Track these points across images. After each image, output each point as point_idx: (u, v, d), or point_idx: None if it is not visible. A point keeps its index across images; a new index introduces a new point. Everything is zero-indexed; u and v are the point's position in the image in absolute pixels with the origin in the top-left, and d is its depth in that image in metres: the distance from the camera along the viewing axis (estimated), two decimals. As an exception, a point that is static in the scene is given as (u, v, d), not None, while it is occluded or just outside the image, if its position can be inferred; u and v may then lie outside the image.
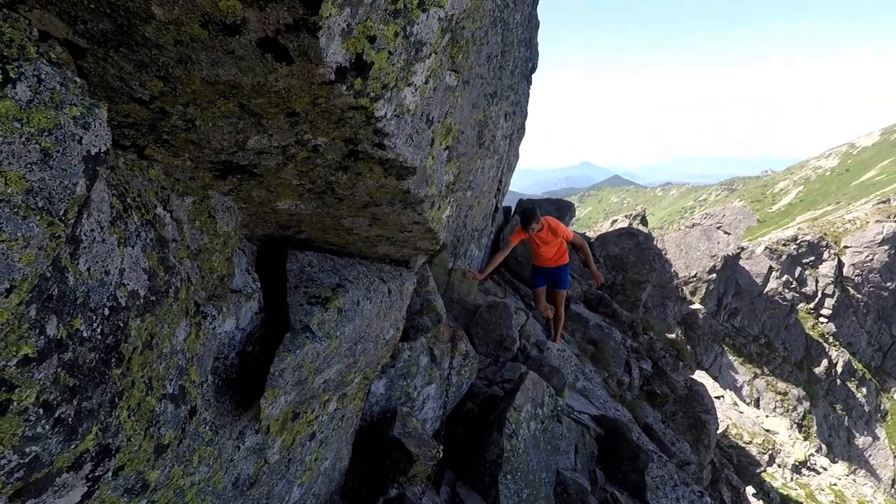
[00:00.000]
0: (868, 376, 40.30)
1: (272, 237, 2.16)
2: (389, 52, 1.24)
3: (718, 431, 21.43)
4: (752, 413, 30.28)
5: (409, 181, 1.71)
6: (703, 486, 12.68)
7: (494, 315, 5.98)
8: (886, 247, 40.75)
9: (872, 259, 40.36)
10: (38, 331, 0.87)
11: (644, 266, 13.19)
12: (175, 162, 1.46)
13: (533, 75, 10.41)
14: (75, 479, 1.06)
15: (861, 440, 37.36)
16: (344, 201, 1.84)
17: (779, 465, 26.47)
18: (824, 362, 38.69)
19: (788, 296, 39.02)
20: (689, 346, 36.47)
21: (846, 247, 41.85)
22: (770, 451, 22.60)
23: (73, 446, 1.01)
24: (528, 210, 6.15)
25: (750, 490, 20.63)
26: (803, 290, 39.78)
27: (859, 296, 40.76)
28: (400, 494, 3.32)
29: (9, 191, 0.80)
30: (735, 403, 29.76)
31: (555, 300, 6.70)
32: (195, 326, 1.48)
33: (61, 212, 0.87)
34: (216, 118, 1.28)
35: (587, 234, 23.27)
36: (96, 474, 1.11)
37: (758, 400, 35.67)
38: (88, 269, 1.02)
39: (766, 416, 33.38)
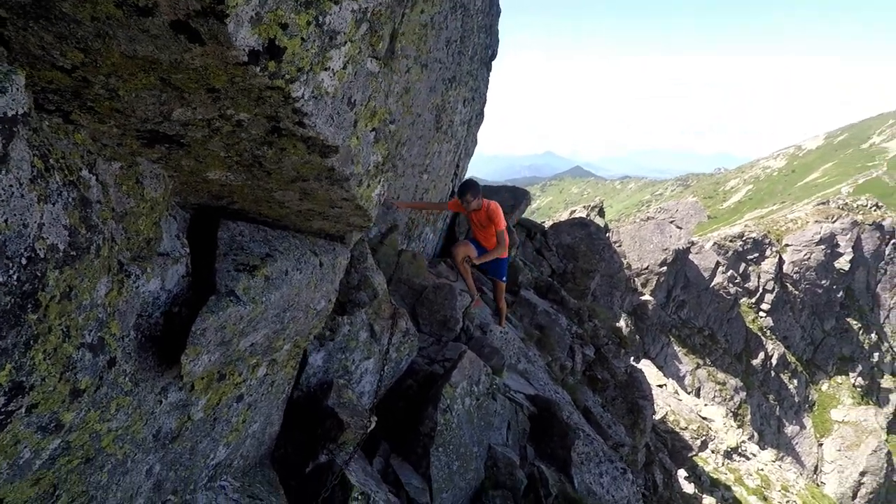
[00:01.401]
0: (800, 369, 42.85)
1: (205, 206, 2.25)
2: (302, 39, 1.36)
3: (657, 417, 22.54)
4: (691, 401, 31.85)
5: (332, 159, 1.85)
6: (637, 468, 13.45)
7: (440, 296, 6.18)
8: (823, 246, 43.10)
9: (810, 258, 42.71)
10: (-48, 272, 0.97)
11: (594, 256, 13.68)
12: (101, 128, 1.55)
13: (493, 62, 10.56)
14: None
15: (790, 429, 39.88)
16: (272, 174, 1.95)
17: (712, 451, 28.01)
18: (761, 354, 40.88)
19: (732, 290, 40.98)
20: (637, 336, 37.91)
21: (787, 245, 44.07)
22: (704, 437, 23.91)
23: (-12, 379, 1.12)
24: (468, 183, 6.08)
25: (682, 473, 21.89)
26: (746, 285, 41.82)
27: (796, 292, 43.11)
28: (329, 461, 3.49)
29: (-75, 144, 0.89)
30: (676, 392, 31.18)
31: (494, 291, 6.79)
32: (117, 283, 1.58)
33: (-24, 166, 0.97)
34: (138, 89, 1.38)
35: (545, 222, 23.76)
36: (9, 409, 1.22)
37: (699, 389, 37.58)
38: (6, 221, 1.12)
39: (705, 405, 35.07)
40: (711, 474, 25.25)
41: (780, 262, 42.42)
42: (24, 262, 1.18)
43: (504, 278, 6.74)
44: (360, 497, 3.30)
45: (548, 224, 18.89)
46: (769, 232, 44.14)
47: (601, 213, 34.75)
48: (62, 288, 1.31)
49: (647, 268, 39.31)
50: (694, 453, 19.24)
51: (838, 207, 46.48)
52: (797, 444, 39.32)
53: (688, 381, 36.71)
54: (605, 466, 5.72)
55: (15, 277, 1.15)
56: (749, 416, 37.46)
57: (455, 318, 6.03)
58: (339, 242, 2.81)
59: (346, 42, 1.54)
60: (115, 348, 1.57)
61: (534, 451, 5.53)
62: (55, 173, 1.33)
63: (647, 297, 37.92)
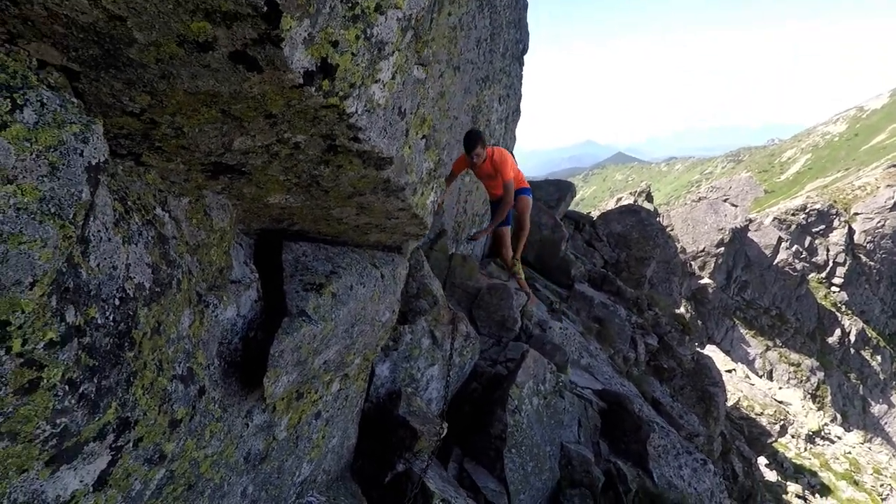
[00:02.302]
0: (882, 344, 39.98)
1: (267, 230, 2.30)
2: (353, 54, 1.36)
3: (730, 404, 21.56)
4: (764, 385, 30.32)
5: (387, 171, 1.85)
6: (713, 458, 12.86)
7: (495, 297, 6.13)
8: (898, 211, 40.07)
9: (884, 225, 39.87)
10: (59, 318, 1.02)
11: (647, 242, 13.26)
12: (169, 166, 1.60)
13: (525, 56, 10.44)
14: (101, 448, 1.22)
15: (876, 408, 37.24)
16: (330, 193, 1.97)
17: (792, 436, 26.50)
18: (837, 331, 38.43)
19: (799, 266, 38.74)
20: (699, 322, 36.52)
21: (857, 213, 41.32)
22: (782, 422, 22.70)
23: (96, 419, 1.17)
24: (471, 133, 5.26)
25: (763, 461, 20.80)
26: (814, 259, 39.45)
27: (871, 263, 40.34)
28: (407, 469, 3.50)
29: (25, 200, 0.94)
30: (747, 376, 29.78)
31: (517, 208, 5.99)
32: (198, 314, 1.64)
33: (70, 216, 1.01)
34: (202, 124, 1.42)
35: (592, 213, 23.25)
36: (118, 444, 1.27)
37: (770, 372, 35.65)
38: (98, 265, 1.17)
39: (780, 388, 33.35)
40: (794, 460, 23.87)
41: (850, 232, 39.77)
42: (117, 302, 1.22)
43: (508, 224, 6.12)
44: (441, 503, 3.29)
45: (595, 214, 18.47)
46: (835, 201, 41.45)
47: (649, 197, 33.74)
48: (152, 324, 1.36)
49: (703, 250, 37.76)
50: (773, 439, 18.27)
51: (912, 168, 43.17)
52: (886, 423, 36.61)
53: (758, 364, 34.90)
54: (683, 458, 5.48)
55: (111, 318, 1.20)
56: (829, 398, 35.16)
57: (513, 318, 5.96)
58: (397, 253, 2.81)
59: (393, 52, 1.53)
60: (203, 377, 1.62)
61: (608, 447, 5.37)
62: (134, 214, 1.39)
63: (705, 280, 36.43)
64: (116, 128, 1.37)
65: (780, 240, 38.62)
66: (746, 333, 36.47)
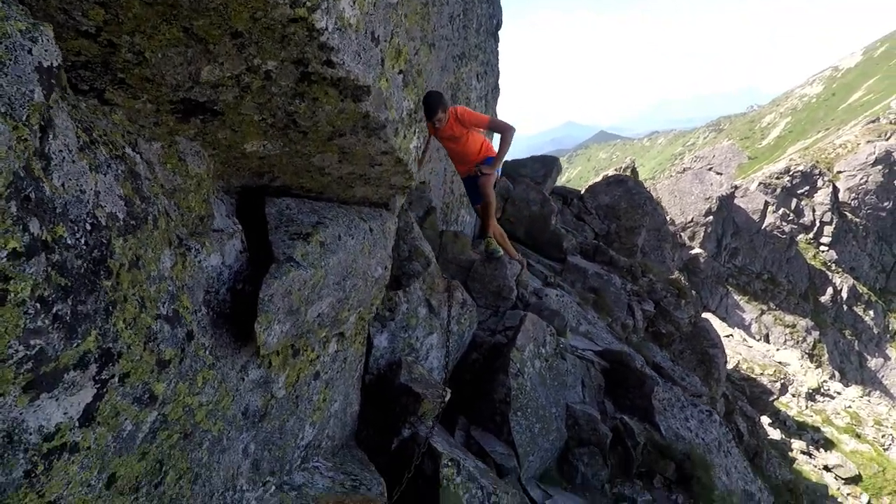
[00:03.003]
0: (874, 298, 40.58)
1: (249, 187, 2.24)
2: (318, -40, 1.30)
3: (729, 367, 21.78)
4: (762, 347, 30.67)
5: (365, 103, 1.79)
6: (728, 437, 12.98)
7: (489, 267, 6.09)
8: (880, 167, 40.62)
9: (867, 181, 40.33)
10: (21, 228, 0.96)
11: (636, 211, 13.29)
12: (136, 105, 1.54)
13: (500, 32, 10.35)
14: (83, 379, 1.16)
15: (873, 362, 37.88)
16: (308, 135, 1.91)
17: (793, 395, 26.84)
18: (829, 290, 38.95)
19: (787, 229, 39.15)
20: (693, 291, 36.68)
21: (840, 172, 41.74)
22: (782, 381, 22.98)
23: (74, 345, 1.11)
24: (430, 96, 4.53)
25: (765, 420, 21.07)
26: (801, 221, 39.88)
27: (857, 219, 40.85)
28: (413, 434, 3.47)
29: (-27, 99, 0.88)
30: (744, 340, 30.09)
31: (480, 181, 5.60)
32: (180, 257, 1.58)
33: (23, 117, 0.95)
34: (164, 47, 1.35)
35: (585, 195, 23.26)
36: (103, 377, 1.21)
37: (767, 335, 36.09)
38: (63, 185, 1.11)
39: (777, 350, 33.74)
40: (796, 418, 24.18)
41: (835, 190, 40.20)
42: (88, 227, 1.16)
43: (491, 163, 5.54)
44: (450, 463, 3.27)
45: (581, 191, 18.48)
46: (818, 162, 41.83)
47: (634, 173, 33.86)
48: (129, 256, 1.30)
49: (691, 220, 38.01)
50: (774, 397, 18.49)
51: (890, 123, 43.54)
52: (883, 376, 37.25)
53: (754, 328, 35.31)
54: (689, 411, 5.51)
55: (83, 241, 1.14)
56: (826, 356, 35.68)
57: (509, 287, 5.93)
58: (385, 209, 2.76)
59: (361, -36, 1.47)
60: (191, 321, 1.57)
61: (612, 405, 5.38)
62: (100, 147, 1.33)
63: (696, 250, 36.67)
64: (73, 53, 1.30)
65: (766, 204, 38.96)
66: (740, 299, 36.85)
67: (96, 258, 1.18)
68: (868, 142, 41.64)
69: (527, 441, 4.50)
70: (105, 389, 1.23)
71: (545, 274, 10.04)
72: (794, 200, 40.48)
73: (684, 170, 43.31)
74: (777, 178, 41.29)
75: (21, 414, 1.05)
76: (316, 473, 2.66)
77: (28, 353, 1.01)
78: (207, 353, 1.65)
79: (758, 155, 57.87)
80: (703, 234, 38.31)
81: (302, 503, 2.43)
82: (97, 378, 1.20)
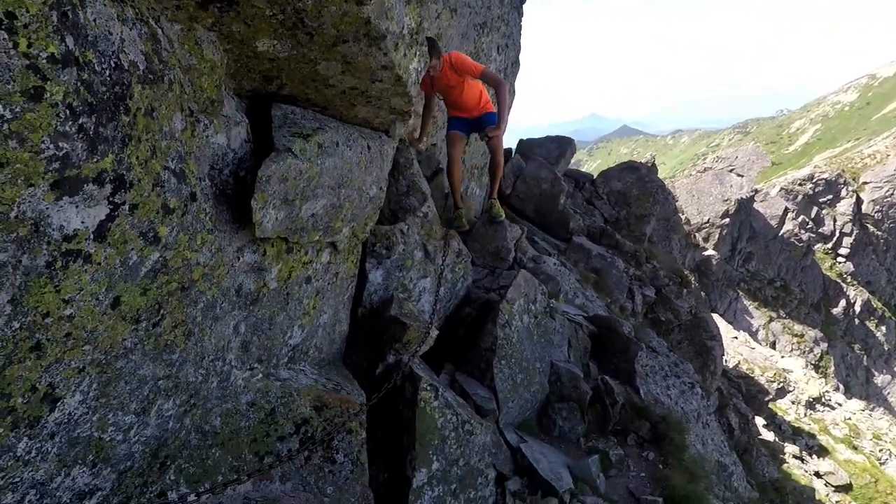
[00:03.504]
0: (888, 314, 39.93)
1: (259, 93, 2.43)
2: None
3: (730, 365, 21.74)
4: (766, 351, 30.51)
5: (368, 7, 1.96)
6: (709, 411, 13.06)
7: (490, 229, 6.26)
8: (908, 180, 39.61)
9: (893, 194, 39.49)
10: (59, 38, 1.15)
11: (647, 199, 13.30)
12: (160, -16, 1.72)
13: (524, 6, 10.34)
14: (99, 195, 1.37)
15: (880, 378, 37.42)
16: (314, 37, 2.09)
17: (792, 402, 26.72)
18: (842, 302, 38.41)
19: (805, 237, 38.55)
20: (702, 292, 36.45)
21: (865, 182, 40.88)
22: (781, 384, 22.93)
23: (94, 160, 1.32)
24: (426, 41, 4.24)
25: (760, 421, 21.09)
26: (820, 230, 39.24)
27: (879, 232, 40.08)
28: (397, 360, 3.68)
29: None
30: (747, 341, 29.95)
31: (490, 144, 5.43)
32: (190, 125, 1.77)
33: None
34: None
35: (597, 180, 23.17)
36: (115, 200, 1.42)
37: (774, 343, 35.78)
38: (94, 20, 1.30)
39: (781, 357, 33.50)
40: (793, 424, 24.16)
41: (858, 201, 39.42)
42: (113, 64, 1.36)
43: (495, 121, 5.28)
44: (429, 388, 3.48)
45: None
46: (843, 171, 40.97)
47: (654, 169, 33.49)
48: (145, 104, 1.50)
49: (707, 221, 37.57)
50: (770, 397, 18.53)
51: (923, 135, 42.44)
52: (889, 393, 36.86)
53: (761, 335, 35.04)
54: (671, 380, 5.67)
55: (107, 74, 1.34)
56: (832, 368, 35.32)
57: (507, 248, 6.09)
58: (385, 134, 2.93)
59: None
60: (195, 185, 1.77)
61: (597, 367, 5.56)
62: (129, 7, 1.51)
63: (710, 251, 36.32)
64: (108, -78, 1.48)
65: (786, 210, 38.34)
66: (750, 305, 36.53)
67: (117, 94, 1.38)
68: (898, 153, 40.64)
69: (508, 388, 4.71)
70: (116, 213, 1.44)
71: (549, 251, 10.17)
72: (815, 209, 39.79)
73: (705, 169, 42.70)
74: (800, 184, 40.56)
75: (47, 209, 1.26)
76: (301, 374, 2.89)
77: (56, 153, 1.22)
78: (207, 218, 1.86)
79: (783, 160, 56.78)
80: (718, 235, 37.86)
81: (285, 392, 2.66)
82: (111, 200, 1.40)
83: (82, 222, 1.35)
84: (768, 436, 20.53)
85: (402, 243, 4.26)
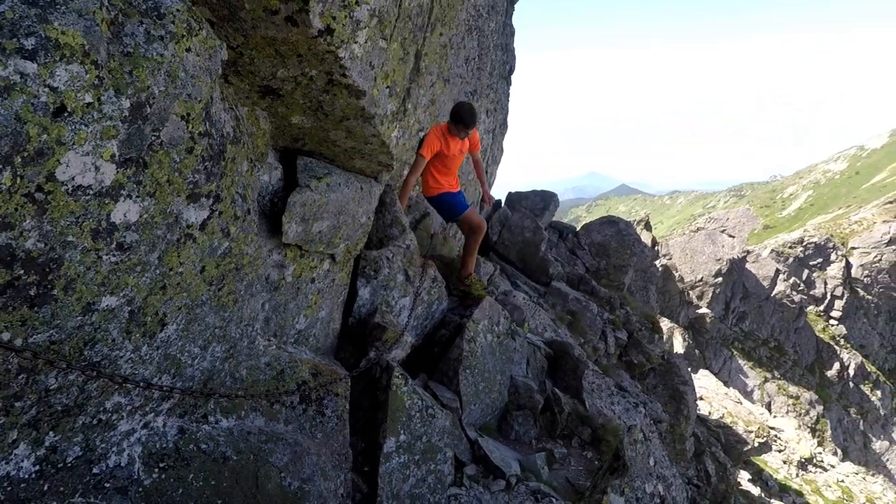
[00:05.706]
0: (882, 378, 40.01)
1: (288, 149, 3.61)
2: (343, 24, 2.68)
3: (714, 417, 22.12)
4: (755, 409, 30.64)
5: (363, 100, 3.15)
6: (686, 458, 13.71)
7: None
8: (894, 247, 40.77)
9: (881, 259, 40.52)
10: (204, 122, 2.30)
11: (625, 251, 14.43)
12: (241, 85, 2.92)
13: (512, 76, 11.89)
14: (206, 204, 2.49)
15: (877, 444, 37.09)
16: (329, 116, 3.28)
17: (784, 462, 26.76)
18: (836, 365, 38.63)
19: (797, 298, 39.27)
20: (697, 351, 36.89)
21: (853, 248, 42.02)
22: (765, 438, 23.20)
23: (209, 185, 2.44)
24: (464, 107, 4.84)
25: (745, 475, 21.29)
26: (812, 292, 40.04)
27: (869, 297, 40.80)
28: (377, 356, 4.70)
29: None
30: (738, 399, 30.15)
31: (470, 226, 5.69)
32: (250, 167, 2.92)
33: (213, 76, 2.31)
34: (263, 57, 2.73)
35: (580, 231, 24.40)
36: (213, 208, 2.54)
37: (769, 404, 35.84)
38: (215, 112, 2.46)
39: (774, 417, 33.54)
40: (781, 482, 24.20)
41: (848, 266, 40.48)
42: (221, 134, 2.51)
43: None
44: (400, 376, 4.47)
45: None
46: (832, 235, 42.28)
47: (647, 226, 34.82)
48: (231, 156, 2.65)
49: (700, 280, 38.55)
50: (749, 447, 18.91)
51: (907, 204, 44.02)
52: (888, 460, 36.44)
53: (756, 395, 35.17)
54: (616, 398, 6.58)
55: (217, 139, 2.49)
56: (829, 432, 35.20)
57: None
58: (374, 180, 4.10)
59: (365, 27, 2.86)
60: (251, 204, 2.90)
61: (551, 384, 6.50)
62: (227, 101, 2.69)
63: (703, 309, 37.07)
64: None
65: (777, 272, 39.30)
66: (745, 364, 36.82)
67: (220, 150, 2.53)
68: (884, 221, 42.03)
69: (471, 393, 5.66)
70: (212, 215, 2.55)
71: (529, 294, 11.21)
72: (806, 271, 40.70)
73: (697, 229, 44.01)
74: (790, 246, 41.66)
75: (183, 209, 2.37)
76: (303, 352, 3.92)
77: (193, 179, 2.34)
78: (255, 226, 2.98)
79: (777, 224, 58.32)
80: (711, 294, 38.64)
81: (291, 360, 3.69)
82: (211, 207, 2.52)
83: (196, 217, 2.46)
84: (753, 490, 20.68)
85: (387, 267, 5.36)
